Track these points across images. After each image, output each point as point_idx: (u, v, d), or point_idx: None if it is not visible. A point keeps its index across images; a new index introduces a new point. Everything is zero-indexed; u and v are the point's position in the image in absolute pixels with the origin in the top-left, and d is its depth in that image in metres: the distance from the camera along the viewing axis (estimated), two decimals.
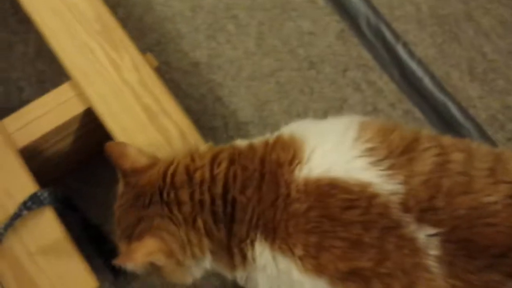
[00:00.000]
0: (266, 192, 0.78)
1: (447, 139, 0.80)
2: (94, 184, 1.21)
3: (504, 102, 1.32)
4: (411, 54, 1.37)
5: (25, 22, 1.25)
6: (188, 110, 1.28)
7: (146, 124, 1.04)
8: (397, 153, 0.76)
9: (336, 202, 0.74)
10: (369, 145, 0.77)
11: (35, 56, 1.31)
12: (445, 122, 1.32)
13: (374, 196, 0.74)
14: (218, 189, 0.80)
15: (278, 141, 0.82)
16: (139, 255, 0.80)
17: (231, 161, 0.82)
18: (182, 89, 1.31)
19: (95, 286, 0.93)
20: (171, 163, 0.84)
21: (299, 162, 0.78)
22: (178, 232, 0.81)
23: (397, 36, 1.38)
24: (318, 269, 0.74)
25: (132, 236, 0.82)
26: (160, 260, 0.81)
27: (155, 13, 1.37)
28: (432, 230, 0.72)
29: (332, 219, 0.74)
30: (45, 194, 0.96)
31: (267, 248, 0.78)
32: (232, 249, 0.81)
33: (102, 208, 1.19)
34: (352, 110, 1.31)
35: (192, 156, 0.84)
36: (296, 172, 0.77)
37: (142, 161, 0.87)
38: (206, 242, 0.81)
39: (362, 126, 0.79)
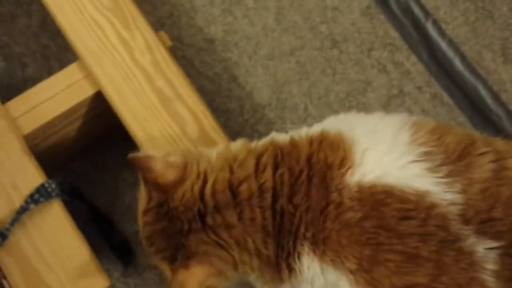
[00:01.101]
0: (315, 199, 0.71)
1: (501, 143, 0.74)
2: (101, 168, 1.16)
3: None
4: (442, 32, 1.28)
5: None
6: (202, 91, 1.21)
7: (159, 109, 0.97)
8: (454, 158, 0.70)
9: (392, 212, 0.69)
10: (425, 148, 0.71)
11: (39, 29, 1.23)
12: (475, 108, 1.25)
13: (432, 206, 0.68)
14: (267, 201, 0.73)
15: (324, 138, 0.75)
16: (192, 286, 0.73)
17: (276, 165, 0.74)
18: (195, 67, 1.23)
19: (105, 284, 0.88)
20: (205, 178, 0.75)
21: (351, 166, 0.71)
22: (229, 255, 0.74)
23: (427, 13, 1.29)
24: (371, 284, 0.69)
25: (175, 260, 0.75)
26: (212, 282, 0.75)
27: None
28: (492, 244, 0.68)
29: (387, 230, 0.69)
30: (53, 186, 0.91)
31: (316, 261, 0.72)
32: (280, 265, 0.74)
33: (110, 194, 1.15)
34: (377, 93, 1.23)
35: (230, 167, 0.75)
36: (348, 176, 0.71)
37: (169, 175, 0.76)
38: (256, 262, 0.75)
39: (415, 127, 0.73)
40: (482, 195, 0.69)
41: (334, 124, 0.78)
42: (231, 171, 0.75)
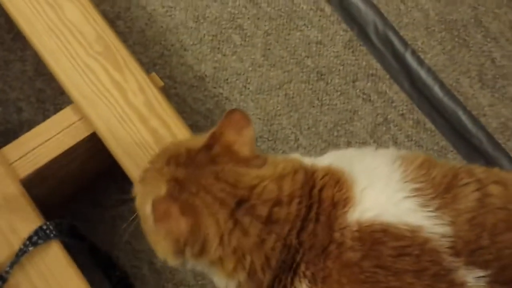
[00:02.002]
0: (320, 237, 0.72)
1: (480, 170, 0.77)
2: (99, 206, 1.18)
3: None
4: (420, 61, 1.33)
5: (21, 39, 1.20)
6: (196, 126, 1.24)
7: (154, 149, 1.00)
8: (441, 191, 0.73)
9: (388, 250, 0.70)
10: (415, 185, 0.73)
11: (33, 74, 1.26)
12: (456, 132, 1.29)
13: (425, 241, 0.70)
14: (284, 232, 0.72)
15: (329, 175, 0.76)
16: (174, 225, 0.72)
17: (300, 194, 0.73)
18: (188, 104, 1.27)
19: None
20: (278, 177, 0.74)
21: (352, 205, 0.72)
22: (220, 250, 0.72)
23: (405, 43, 1.34)
24: None
25: (176, 197, 0.74)
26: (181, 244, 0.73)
27: (157, 25, 1.32)
28: (481, 273, 0.69)
29: (384, 268, 0.70)
30: (51, 227, 0.92)
31: None
32: None
33: (109, 232, 1.17)
34: (363, 121, 1.27)
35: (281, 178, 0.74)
36: (349, 215, 0.72)
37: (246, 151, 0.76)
38: (243, 276, 0.73)
39: (404, 164, 0.75)
40: (469, 224, 0.71)
41: (338, 159, 0.79)
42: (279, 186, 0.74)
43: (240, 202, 0.72)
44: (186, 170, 0.74)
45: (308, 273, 0.72)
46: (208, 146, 0.76)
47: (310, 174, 0.76)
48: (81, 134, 1.01)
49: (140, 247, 1.16)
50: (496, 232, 0.71)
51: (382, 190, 0.73)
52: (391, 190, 0.73)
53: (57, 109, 1.22)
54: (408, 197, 0.72)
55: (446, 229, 0.70)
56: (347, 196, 0.73)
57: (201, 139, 0.78)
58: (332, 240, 0.71)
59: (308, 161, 0.79)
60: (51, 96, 1.24)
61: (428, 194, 0.72)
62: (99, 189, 1.18)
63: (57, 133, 1.00)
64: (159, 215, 0.72)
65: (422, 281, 0.70)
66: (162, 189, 0.74)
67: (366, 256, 0.71)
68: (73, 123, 1.01)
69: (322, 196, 0.73)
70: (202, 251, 0.74)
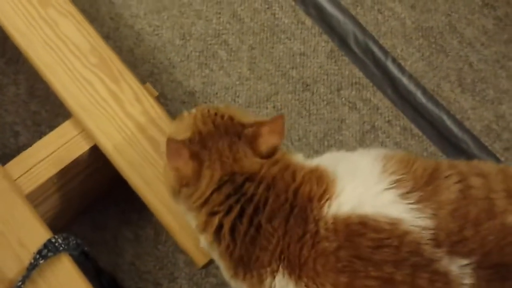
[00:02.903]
0: (293, 226, 0.77)
1: (463, 164, 0.80)
2: (101, 228, 1.17)
3: (497, 111, 1.34)
4: (401, 69, 1.38)
5: (13, 63, 1.20)
6: None
7: (153, 156, 1.01)
8: (422, 184, 0.76)
9: (366, 242, 0.73)
10: (396, 176, 0.76)
11: (27, 97, 1.26)
12: (443, 137, 1.32)
13: (405, 234, 0.73)
14: (250, 209, 0.79)
15: (314, 173, 0.81)
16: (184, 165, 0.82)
17: (273, 183, 0.80)
18: None
19: None
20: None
21: (329, 198, 0.77)
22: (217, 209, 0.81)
23: (385, 52, 1.39)
24: None
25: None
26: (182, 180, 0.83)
27: (145, 44, 1.34)
28: (465, 261, 0.72)
29: (363, 258, 0.73)
30: (60, 240, 0.92)
31: (291, 285, 0.76)
32: (251, 270, 0.79)
33: (112, 253, 1.15)
34: (351, 129, 1.30)
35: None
36: (325, 208, 0.76)
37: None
38: (209, 230, 0.82)
39: (385, 158, 0.79)
40: (452, 216, 0.74)
41: (325, 160, 0.84)
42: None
43: (232, 173, 0.81)
44: (214, 129, 0.85)
45: (283, 256, 0.77)
46: (243, 125, 0.85)
47: (294, 171, 0.82)
48: (82, 147, 1.02)
49: (145, 268, 1.16)
50: (480, 222, 0.74)
51: (361, 184, 0.77)
52: (371, 183, 0.77)
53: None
54: (388, 188, 0.75)
55: (427, 222, 0.73)
56: (325, 191, 0.78)
57: (247, 117, 0.88)
58: (306, 231, 0.76)
59: (301, 160, 0.85)
60: (46, 118, 1.24)
61: (409, 185, 0.75)
62: (99, 212, 1.17)
63: (59, 148, 1.01)
64: (171, 152, 0.82)
65: (402, 270, 0.72)
66: (186, 134, 0.85)
67: (342, 247, 0.74)
68: (74, 137, 1.02)
69: (299, 191, 0.79)
70: (192, 195, 0.83)
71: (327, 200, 0.77)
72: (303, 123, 1.31)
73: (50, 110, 1.23)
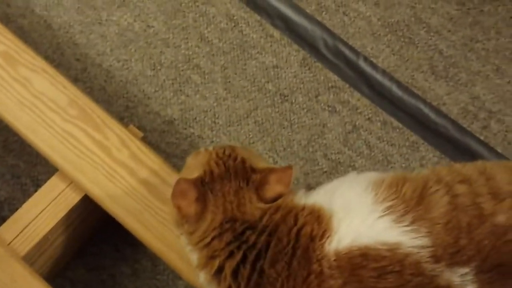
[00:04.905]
0: (297, 268, 0.77)
1: (445, 172, 0.82)
2: (96, 269, 1.16)
3: (471, 93, 1.36)
4: (374, 66, 1.39)
5: None
6: (176, 169, 1.24)
7: (149, 199, 1.00)
8: (413, 205, 0.77)
9: (369, 272, 0.74)
10: (387, 203, 0.78)
11: (3, 151, 1.23)
12: (423, 125, 1.35)
13: (405, 256, 0.74)
14: (252, 256, 0.80)
15: (313, 213, 0.81)
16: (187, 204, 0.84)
17: (275, 227, 0.81)
18: (163, 150, 1.27)
19: None
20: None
21: (329, 236, 0.78)
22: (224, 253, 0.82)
23: (356, 52, 1.40)
24: None
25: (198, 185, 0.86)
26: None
27: (116, 80, 1.32)
28: (465, 269, 0.74)
29: None
30: None
31: None
32: None
33: None
34: (334, 132, 1.31)
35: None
36: (326, 245, 0.77)
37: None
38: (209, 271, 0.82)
39: (375, 187, 0.80)
40: (446, 229, 0.75)
41: (321, 196, 0.85)
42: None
43: (233, 218, 0.82)
44: (225, 172, 0.86)
45: None
46: (254, 170, 0.86)
47: (296, 214, 0.82)
48: (73, 199, 1.01)
49: None
50: (472, 229, 0.75)
51: (356, 216, 0.79)
52: (364, 214, 0.78)
53: (34, 181, 1.19)
54: (381, 216, 0.77)
55: (424, 241, 0.75)
56: (325, 229, 0.79)
57: (259, 162, 0.90)
58: (311, 272, 0.77)
59: (303, 199, 0.85)
60: (25, 170, 1.21)
61: (401, 209, 0.77)
62: (92, 253, 1.16)
63: (49, 204, 0.99)
64: (176, 191, 0.83)
65: None
66: (199, 171, 0.87)
67: (347, 282, 0.75)
68: (63, 191, 1.01)
69: (301, 232, 0.80)
70: (192, 233, 0.85)
71: (327, 237, 0.78)
72: (286, 133, 1.31)
73: (28, 161, 1.21)
